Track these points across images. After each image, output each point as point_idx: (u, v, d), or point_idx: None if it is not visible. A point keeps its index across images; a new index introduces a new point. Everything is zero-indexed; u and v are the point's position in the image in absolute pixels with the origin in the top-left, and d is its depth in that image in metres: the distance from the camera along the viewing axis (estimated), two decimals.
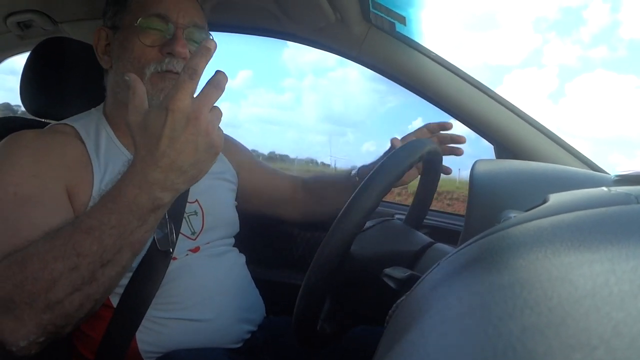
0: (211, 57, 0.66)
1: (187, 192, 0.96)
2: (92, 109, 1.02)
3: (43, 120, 1.14)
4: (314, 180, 1.32)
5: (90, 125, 0.95)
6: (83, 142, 0.91)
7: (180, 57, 0.92)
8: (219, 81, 0.67)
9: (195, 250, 0.95)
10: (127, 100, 0.75)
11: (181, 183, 0.70)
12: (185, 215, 0.96)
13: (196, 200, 0.99)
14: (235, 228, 1.11)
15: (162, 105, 0.65)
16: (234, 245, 1.10)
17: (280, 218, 1.31)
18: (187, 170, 0.68)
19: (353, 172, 1.19)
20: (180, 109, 0.64)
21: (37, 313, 0.67)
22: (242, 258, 1.09)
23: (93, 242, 0.67)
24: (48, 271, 0.66)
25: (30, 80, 1.10)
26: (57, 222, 0.73)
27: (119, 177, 0.70)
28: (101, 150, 0.92)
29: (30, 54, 1.10)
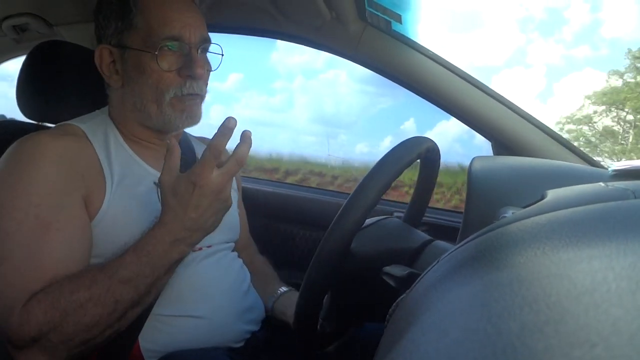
0: (231, 134, 0.76)
1: None
2: (97, 111, 1.01)
3: (40, 123, 1.14)
4: (263, 266, 1.24)
5: (97, 128, 0.95)
6: (92, 145, 0.90)
7: (200, 79, 0.92)
8: (241, 156, 0.78)
9: (197, 250, 0.95)
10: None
11: (201, 237, 0.83)
12: None
13: None
14: (236, 233, 1.12)
15: (190, 179, 0.76)
16: (232, 250, 1.10)
17: None
18: (207, 228, 0.82)
19: (279, 290, 1.11)
20: (206, 184, 0.76)
21: (72, 349, 0.76)
22: (240, 260, 1.09)
23: (130, 290, 0.78)
24: (89, 317, 0.75)
25: (26, 84, 1.09)
26: (75, 250, 0.82)
27: (150, 232, 0.80)
28: (111, 154, 0.92)
29: (26, 57, 1.09)
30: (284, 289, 1.11)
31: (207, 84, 0.98)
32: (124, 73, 0.93)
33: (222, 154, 0.76)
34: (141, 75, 0.90)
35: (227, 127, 0.76)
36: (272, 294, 1.10)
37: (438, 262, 0.40)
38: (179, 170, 0.79)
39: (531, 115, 1.22)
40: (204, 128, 1.11)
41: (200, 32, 0.93)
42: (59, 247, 0.79)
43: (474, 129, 1.26)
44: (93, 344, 0.78)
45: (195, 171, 0.76)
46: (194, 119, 0.96)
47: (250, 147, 0.79)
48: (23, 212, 0.78)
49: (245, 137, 0.78)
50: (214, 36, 1.01)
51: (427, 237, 0.84)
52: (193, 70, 0.90)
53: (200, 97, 0.96)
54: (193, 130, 1.19)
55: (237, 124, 0.77)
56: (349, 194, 0.72)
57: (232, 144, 0.79)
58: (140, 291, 0.79)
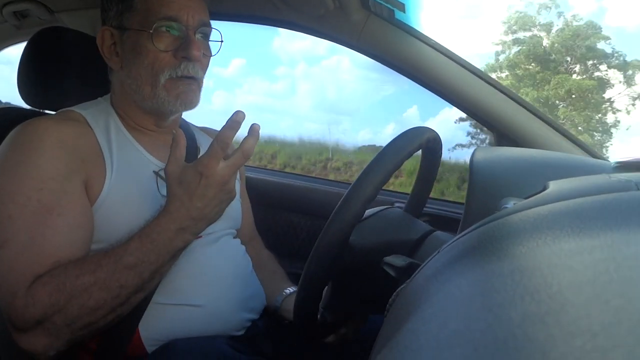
0: (239, 127, 0.78)
1: None
2: (99, 98, 1.03)
3: (40, 110, 1.13)
4: (268, 261, 1.22)
5: (99, 115, 0.96)
6: (93, 131, 0.92)
7: (196, 60, 0.92)
8: (248, 150, 0.79)
9: (198, 237, 0.96)
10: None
11: (205, 227, 0.84)
12: None
13: None
14: (237, 222, 1.12)
15: (197, 169, 0.77)
16: (235, 237, 1.10)
17: None
18: (212, 218, 0.84)
19: (288, 289, 1.09)
20: (212, 175, 0.77)
21: (74, 331, 0.78)
22: (243, 248, 1.09)
23: (134, 276, 0.79)
24: (93, 300, 0.76)
25: (27, 71, 1.09)
26: (77, 234, 0.82)
27: (155, 220, 0.81)
28: (112, 141, 0.93)
29: (27, 44, 1.09)
30: (292, 289, 1.09)
31: (204, 70, 0.98)
32: (123, 55, 0.95)
33: (229, 146, 0.78)
34: (138, 56, 0.92)
35: (235, 120, 0.77)
36: (278, 291, 1.09)
37: (439, 252, 0.40)
38: (184, 159, 0.80)
39: (533, 107, 1.21)
40: (207, 114, 1.11)
41: (199, 16, 0.94)
42: (61, 232, 0.80)
43: (476, 120, 1.26)
44: (95, 327, 0.79)
45: (202, 162, 0.77)
46: (189, 104, 0.96)
47: (258, 140, 0.80)
48: (25, 196, 0.79)
49: (254, 130, 0.79)
50: (215, 24, 1.01)
51: (428, 227, 0.84)
52: (189, 52, 0.91)
53: (197, 81, 0.96)
54: (196, 118, 1.19)
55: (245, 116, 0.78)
56: (350, 183, 0.72)
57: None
58: (144, 277, 0.80)
